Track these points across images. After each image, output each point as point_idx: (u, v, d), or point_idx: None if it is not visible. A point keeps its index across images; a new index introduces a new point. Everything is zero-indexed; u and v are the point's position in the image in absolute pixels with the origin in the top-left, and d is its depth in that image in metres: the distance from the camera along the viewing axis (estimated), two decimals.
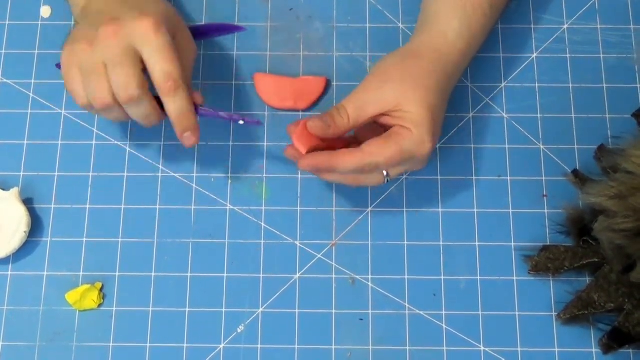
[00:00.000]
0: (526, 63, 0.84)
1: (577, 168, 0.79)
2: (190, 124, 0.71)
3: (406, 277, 0.78)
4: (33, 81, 0.84)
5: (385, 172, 0.72)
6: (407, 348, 0.76)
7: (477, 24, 0.76)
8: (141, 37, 0.67)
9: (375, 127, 0.73)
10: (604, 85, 0.83)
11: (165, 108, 0.70)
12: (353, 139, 0.75)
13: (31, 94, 0.83)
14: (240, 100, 0.83)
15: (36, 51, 0.85)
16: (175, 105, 0.69)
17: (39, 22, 0.86)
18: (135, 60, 0.68)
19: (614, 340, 0.73)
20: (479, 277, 0.78)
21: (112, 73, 0.68)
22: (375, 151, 0.70)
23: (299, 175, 0.81)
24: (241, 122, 0.73)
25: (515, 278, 0.78)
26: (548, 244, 0.78)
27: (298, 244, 0.79)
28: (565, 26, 0.85)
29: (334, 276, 0.78)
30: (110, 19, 0.68)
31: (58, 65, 0.82)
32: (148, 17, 0.68)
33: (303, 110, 0.83)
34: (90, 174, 0.81)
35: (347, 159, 0.70)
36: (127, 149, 0.82)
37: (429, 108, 0.71)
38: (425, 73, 0.73)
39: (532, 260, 0.77)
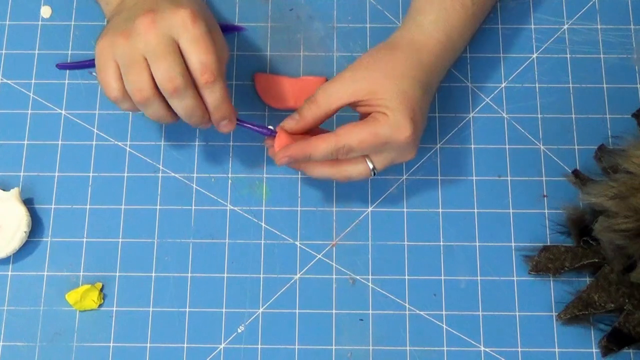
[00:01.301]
0: (526, 63, 0.84)
1: (577, 168, 0.79)
2: (227, 113, 0.71)
3: (406, 277, 0.78)
4: (33, 81, 0.84)
5: (370, 164, 0.72)
6: (407, 348, 0.76)
7: (455, 15, 0.76)
8: (178, 27, 0.67)
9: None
10: (604, 86, 0.83)
11: (203, 99, 0.70)
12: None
13: (31, 94, 0.83)
14: (240, 100, 0.83)
15: (36, 51, 0.85)
16: (213, 96, 0.69)
17: (39, 22, 0.86)
18: (177, 51, 0.67)
19: (614, 341, 0.73)
20: (479, 277, 0.78)
21: (154, 65, 0.67)
22: (347, 134, 0.70)
23: (299, 176, 0.81)
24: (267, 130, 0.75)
25: (515, 278, 0.78)
26: (548, 244, 0.78)
27: (298, 244, 0.79)
28: (566, 26, 0.85)
29: (334, 276, 0.78)
30: (146, 10, 0.68)
31: (58, 66, 0.83)
32: (185, 8, 0.68)
33: None
34: (91, 174, 0.81)
35: (320, 144, 0.70)
36: (127, 149, 0.82)
37: (402, 93, 0.71)
38: (398, 62, 0.73)
39: (532, 261, 0.77)
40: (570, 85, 0.83)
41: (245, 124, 0.74)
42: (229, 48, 0.74)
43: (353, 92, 0.71)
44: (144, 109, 0.70)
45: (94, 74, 0.82)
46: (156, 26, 0.67)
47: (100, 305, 0.77)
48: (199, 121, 0.71)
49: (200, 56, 0.67)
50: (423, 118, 0.73)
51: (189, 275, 0.78)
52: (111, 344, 0.76)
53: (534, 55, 0.84)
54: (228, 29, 0.85)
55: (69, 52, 0.85)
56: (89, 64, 0.84)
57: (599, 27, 0.85)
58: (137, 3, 0.71)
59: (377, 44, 0.76)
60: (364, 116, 0.73)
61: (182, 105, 0.69)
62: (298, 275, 0.78)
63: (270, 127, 0.74)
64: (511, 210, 0.79)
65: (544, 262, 0.76)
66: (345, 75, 0.72)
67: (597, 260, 0.74)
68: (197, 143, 0.82)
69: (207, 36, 0.68)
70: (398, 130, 0.70)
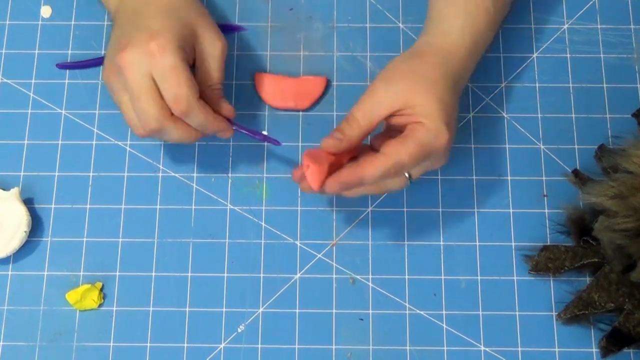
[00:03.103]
0: (526, 63, 0.84)
1: (577, 168, 0.79)
2: (216, 128, 0.72)
3: (406, 277, 0.78)
4: (33, 81, 0.84)
5: (407, 174, 0.72)
6: (408, 348, 0.76)
7: (480, 20, 0.76)
8: (149, 62, 0.68)
9: (391, 134, 0.72)
10: (604, 85, 0.83)
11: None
12: (369, 149, 0.74)
13: (31, 94, 0.83)
14: (240, 100, 0.83)
15: (36, 51, 0.85)
16: (196, 121, 0.71)
17: (39, 22, 0.86)
18: (150, 88, 0.69)
19: (613, 341, 0.73)
20: (479, 277, 0.78)
21: (133, 105, 0.70)
22: (396, 151, 0.69)
23: None
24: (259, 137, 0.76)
25: (515, 278, 0.78)
26: (548, 244, 0.78)
27: (298, 244, 0.79)
28: (566, 26, 0.85)
29: (334, 276, 0.78)
30: (123, 45, 0.69)
31: (59, 65, 0.83)
32: (152, 40, 0.68)
33: (303, 110, 0.83)
34: (91, 174, 0.81)
35: (373, 167, 0.69)
36: (127, 148, 0.82)
37: (438, 100, 0.70)
38: (429, 68, 0.72)
39: (532, 260, 0.77)
40: (570, 85, 0.83)
41: (242, 130, 0.75)
42: (226, 44, 0.74)
43: (390, 105, 0.70)
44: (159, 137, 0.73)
45: None
46: (129, 65, 0.69)
47: (100, 305, 0.77)
48: (194, 140, 0.72)
49: (170, 90, 0.69)
50: (455, 123, 0.73)
51: (189, 275, 0.78)
52: (111, 344, 0.76)
53: (534, 55, 0.84)
54: (228, 29, 0.85)
55: (69, 52, 0.85)
56: (89, 63, 0.84)
57: (599, 26, 0.85)
58: (122, 23, 0.73)
59: (403, 53, 0.75)
60: (395, 127, 0.72)
61: (169, 138, 0.72)
62: (298, 275, 0.78)
63: (264, 132, 0.74)
64: (511, 210, 0.80)
65: (544, 262, 0.76)
66: (379, 89, 0.71)
67: (597, 260, 0.74)
68: (197, 143, 0.82)
69: (176, 67, 0.68)
70: (438, 137, 0.70)
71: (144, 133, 0.71)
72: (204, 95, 0.72)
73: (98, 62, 0.84)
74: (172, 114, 0.70)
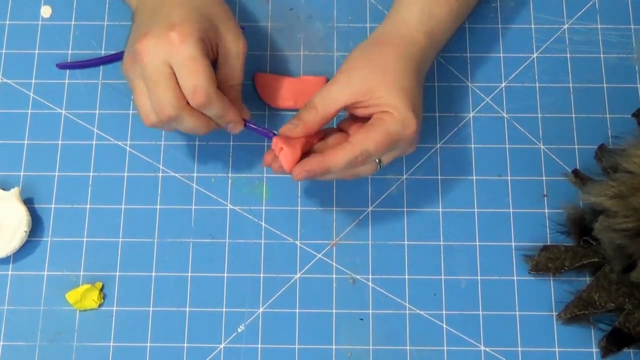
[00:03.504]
0: (526, 63, 0.84)
1: (577, 168, 0.79)
2: (231, 119, 0.72)
3: (406, 277, 0.78)
4: (33, 81, 0.84)
5: (377, 160, 0.72)
6: (408, 348, 0.76)
7: (439, 10, 0.76)
8: (168, 51, 0.68)
9: (361, 121, 0.73)
10: (604, 85, 0.83)
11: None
12: (337, 130, 0.75)
13: (31, 94, 0.83)
14: None
15: (36, 51, 0.85)
16: (212, 112, 0.70)
17: (39, 22, 0.86)
18: (168, 76, 0.68)
19: (613, 341, 0.73)
20: (479, 277, 0.78)
21: (149, 94, 0.69)
22: (363, 140, 0.70)
23: None
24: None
25: (515, 278, 0.78)
26: (548, 243, 0.78)
27: (298, 244, 0.79)
28: (566, 26, 0.85)
29: (334, 276, 0.78)
30: (142, 34, 0.69)
31: (59, 65, 0.83)
32: (175, 28, 0.68)
33: None
34: (91, 174, 0.81)
35: (339, 156, 0.70)
36: (128, 148, 0.82)
37: (401, 88, 0.71)
38: (391, 58, 0.73)
39: (532, 260, 0.77)
40: (570, 85, 0.83)
41: (251, 126, 0.75)
42: (244, 43, 0.74)
43: (351, 94, 0.71)
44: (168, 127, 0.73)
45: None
46: (148, 52, 0.68)
47: (100, 305, 0.77)
48: (207, 131, 0.72)
49: (189, 80, 0.68)
50: (421, 110, 0.73)
51: (189, 274, 0.78)
52: (111, 344, 0.76)
53: (534, 55, 0.84)
54: None
55: (69, 52, 0.85)
56: (89, 63, 0.84)
57: (599, 26, 0.85)
58: (142, 17, 0.73)
59: (363, 41, 0.75)
60: (361, 118, 0.73)
61: (182, 127, 0.71)
62: (298, 275, 0.78)
63: (275, 132, 0.74)
64: (511, 210, 0.80)
65: (544, 262, 0.76)
66: (340, 78, 0.72)
67: (597, 260, 0.74)
68: (197, 143, 0.82)
69: (194, 58, 0.68)
70: (406, 126, 0.70)
71: (156, 121, 0.71)
72: (224, 94, 0.72)
73: (98, 62, 0.84)
74: (187, 102, 0.69)
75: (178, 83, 0.69)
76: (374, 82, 0.71)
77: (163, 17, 0.70)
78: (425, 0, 0.76)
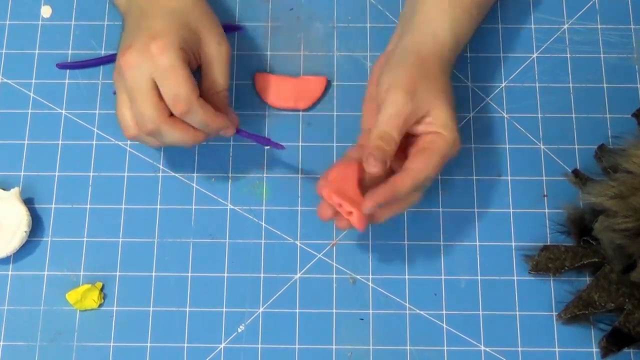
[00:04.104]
0: (526, 63, 0.84)
1: (578, 168, 0.79)
2: (218, 126, 0.72)
3: (407, 276, 0.78)
4: (33, 81, 0.84)
5: None
6: (408, 348, 0.76)
7: (463, 24, 0.77)
8: (149, 63, 0.68)
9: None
10: (604, 85, 0.83)
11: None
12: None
13: (31, 94, 0.83)
14: (240, 100, 0.83)
15: (36, 51, 0.85)
16: (196, 120, 0.70)
17: (40, 22, 0.86)
18: (149, 89, 0.69)
19: (613, 341, 0.73)
20: (479, 277, 0.78)
21: (132, 106, 0.70)
22: (423, 166, 0.69)
23: (299, 175, 0.81)
24: (267, 147, 0.76)
25: (515, 278, 0.78)
26: (548, 243, 0.78)
27: (298, 244, 0.79)
28: (566, 26, 0.85)
29: (334, 276, 0.78)
30: (126, 47, 0.70)
31: (59, 65, 0.83)
32: (153, 42, 0.69)
33: (303, 110, 0.83)
34: (91, 174, 0.81)
35: (403, 182, 0.69)
36: (128, 148, 0.82)
37: (451, 108, 0.71)
38: (439, 75, 0.73)
39: (532, 260, 0.77)
40: (571, 84, 0.83)
41: (244, 133, 0.75)
42: (230, 49, 0.74)
43: (416, 118, 0.70)
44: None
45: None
46: (130, 66, 0.69)
47: (100, 305, 0.77)
48: (194, 142, 0.72)
49: (169, 89, 0.69)
50: None
51: (189, 274, 0.78)
52: (111, 344, 0.76)
53: (534, 55, 0.84)
54: (227, 29, 0.85)
55: (69, 52, 0.85)
56: (89, 63, 0.84)
57: (599, 26, 0.85)
58: (127, 28, 0.74)
59: (399, 55, 0.74)
60: (411, 133, 0.72)
61: (167, 140, 0.71)
62: (298, 275, 0.78)
63: (269, 137, 0.74)
64: (511, 210, 0.80)
65: (544, 262, 0.76)
66: (403, 102, 0.70)
67: (597, 260, 0.74)
68: None
69: (175, 67, 0.68)
70: (454, 147, 0.71)
71: (135, 134, 0.71)
72: (210, 102, 0.72)
73: (98, 62, 0.84)
74: (170, 115, 0.70)
75: (160, 96, 0.69)
76: (434, 104, 0.71)
77: (145, 28, 0.70)
78: (452, 15, 0.76)
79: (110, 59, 0.84)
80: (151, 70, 0.69)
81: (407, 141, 0.72)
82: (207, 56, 0.73)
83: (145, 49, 0.69)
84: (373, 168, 0.69)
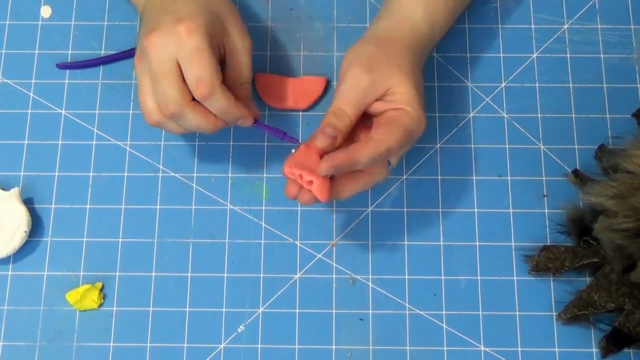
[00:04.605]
0: (526, 63, 0.84)
1: (578, 168, 0.79)
2: (237, 116, 0.71)
3: (406, 277, 0.78)
4: (33, 81, 0.84)
5: (388, 162, 0.72)
6: (408, 348, 0.76)
7: (439, 12, 0.77)
8: (174, 45, 0.68)
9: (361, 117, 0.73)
10: (604, 85, 0.83)
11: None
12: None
13: (31, 94, 0.83)
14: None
15: (36, 51, 0.85)
16: (216, 106, 0.69)
17: (39, 22, 0.86)
18: (173, 71, 0.68)
19: (613, 341, 0.73)
20: (479, 277, 0.78)
21: (154, 89, 0.69)
22: (386, 137, 0.69)
23: None
24: (282, 139, 0.75)
25: (515, 278, 0.78)
26: (548, 244, 0.78)
27: (298, 244, 0.79)
28: (566, 26, 0.85)
29: (334, 276, 0.78)
30: (150, 30, 0.69)
31: (58, 65, 0.83)
32: (182, 22, 0.68)
33: (303, 110, 0.83)
34: (91, 174, 0.81)
35: (364, 151, 0.68)
36: (128, 148, 0.82)
37: (415, 86, 0.71)
38: (403, 54, 0.73)
39: (532, 260, 0.77)
40: (570, 85, 0.83)
41: (262, 126, 0.74)
42: (249, 43, 0.73)
43: (375, 95, 0.71)
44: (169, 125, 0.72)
45: None
46: (155, 47, 0.68)
47: (100, 305, 0.77)
48: (213, 129, 0.71)
49: (193, 72, 0.68)
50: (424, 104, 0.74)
51: (189, 275, 0.78)
52: (111, 344, 0.76)
53: (534, 55, 0.84)
54: None
55: (69, 52, 0.85)
56: (89, 63, 0.84)
57: (599, 26, 0.85)
58: (150, 13, 0.72)
59: (367, 37, 0.75)
60: (373, 113, 0.72)
61: (187, 125, 0.70)
62: (298, 275, 0.78)
63: (285, 131, 0.73)
64: (511, 210, 0.79)
65: (544, 262, 0.76)
66: (362, 79, 0.71)
67: (597, 260, 0.74)
68: (197, 143, 0.82)
69: (199, 50, 0.68)
70: (419, 124, 0.71)
71: (158, 119, 0.70)
72: (234, 93, 0.71)
73: (98, 62, 0.84)
74: (192, 99, 0.69)
75: (184, 80, 0.68)
76: (394, 80, 0.71)
77: (171, 12, 0.70)
78: (427, 2, 0.76)
79: (110, 59, 0.84)
80: (177, 51, 0.68)
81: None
82: (231, 47, 0.72)
83: (172, 30, 0.68)
84: (320, 143, 0.69)
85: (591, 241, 0.74)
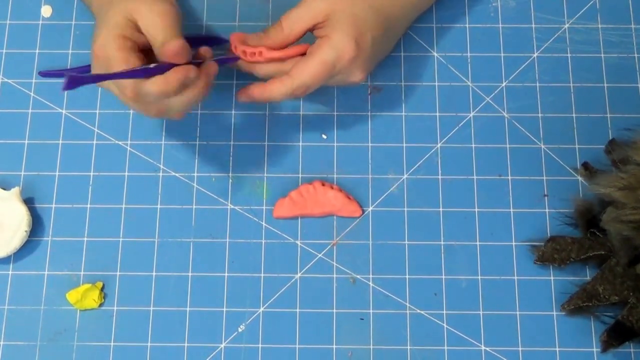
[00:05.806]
0: (527, 62, 0.84)
1: (587, 161, 0.79)
2: (177, 84, 0.69)
3: (407, 276, 0.78)
4: (34, 81, 0.84)
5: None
6: (408, 347, 0.76)
7: None
8: (100, 67, 0.70)
9: None
10: (605, 85, 0.83)
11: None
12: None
13: (32, 94, 0.83)
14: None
15: (37, 51, 0.85)
16: (152, 98, 0.69)
17: (40, 22, 0.86)
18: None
19: (615, 335, 0.73)
20: (479, 277, 0.78)
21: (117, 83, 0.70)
22: (301, 72, 0.72)
23: (300, 175, 0.81)
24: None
25: (516, 277, 0.78)
26: (555, 234, 0.77)
27: (299, 244, 0.79)
28: (566, 25, 0.85)
29: (334, 276, 0.78)
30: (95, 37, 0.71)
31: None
32: (93, 45, 0.70)
33: (303, 111, 0.83)
34: (91, 174, 0.81)
35: (279, 87, 0.72)
36: (128, 148, 0.82)
37: (352, 16, 0.72)
38: (364, 1, 0.74)
39: (538, 251, 0.76)
40: (571, 84, 0.83)
41: (219, 61, 0.74)
42: (169, 11, 0.71)
43: (313, 16, 0.73)
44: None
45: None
46: (93, 67, 0.71)
47: (100, 305, 0.77)
48: (189, 102, 0.71)
49: (117, 82, 0.69)
50: (374, 44, 0.74)
51: (190, 274, 0.78)
52: (112, 344, 0.76)
53: (535, 55, 0.84)
54: (210, 42, 0.81)
55: (69, 51, 0.85)
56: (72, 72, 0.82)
57: (599, 26, 0.85)
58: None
59: None
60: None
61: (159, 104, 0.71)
62: (298, 275, 0.78)
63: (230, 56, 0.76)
64: (512, 210, 0.79)
65: (550, 253, 0.76)
66: (307, 1, 0.74)
67: (603, 253, 0.74)
68: (197, 142, 0.82)
69: (114, 59, 0.68)
70: (342, 52, 0.72)
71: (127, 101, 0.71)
72: (163, 58, 0.69)
73: (80, 71, 0.80)
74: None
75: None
76: (332, 7, 0.72)
77: (97, 27, 0.72)
78: None
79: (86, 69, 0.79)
80: (101, 66, 0.70)
81: None
82: (143, 22, 0.70)
83: (93, 55, 0.70)
84: (250, 39, 0.75)
85: (598, 233, 0.74)
